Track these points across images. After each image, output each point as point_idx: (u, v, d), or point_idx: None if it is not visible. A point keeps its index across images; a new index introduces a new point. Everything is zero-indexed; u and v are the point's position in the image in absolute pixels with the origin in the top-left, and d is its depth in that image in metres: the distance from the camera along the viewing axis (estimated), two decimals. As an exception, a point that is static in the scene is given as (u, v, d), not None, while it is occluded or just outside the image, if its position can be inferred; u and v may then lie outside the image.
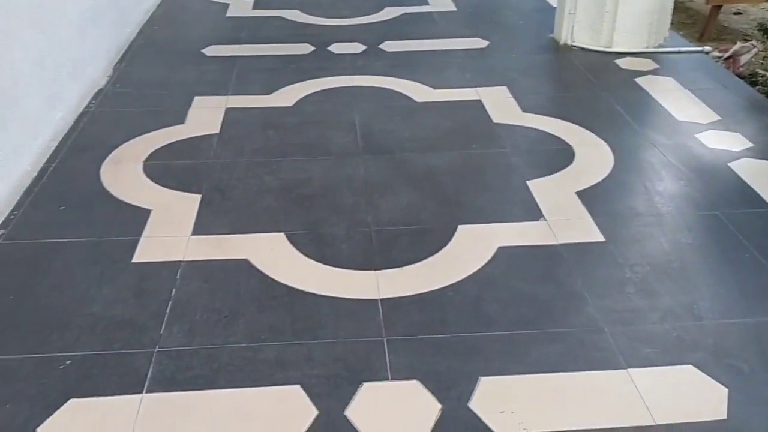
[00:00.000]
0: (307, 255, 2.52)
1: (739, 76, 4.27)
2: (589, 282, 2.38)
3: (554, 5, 4.75)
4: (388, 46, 4.51)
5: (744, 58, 4.49)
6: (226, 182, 2.97)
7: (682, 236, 2.62)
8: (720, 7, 5.44)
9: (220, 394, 1.94)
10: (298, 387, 1.96)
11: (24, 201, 2.82)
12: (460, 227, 2.66)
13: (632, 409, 1.90)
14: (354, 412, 1.89)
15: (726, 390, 1.96)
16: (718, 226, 2.68)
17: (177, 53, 4.42)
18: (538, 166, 3.10)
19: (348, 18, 5.04)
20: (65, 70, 3.45)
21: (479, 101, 3.72)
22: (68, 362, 2.05)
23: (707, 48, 4.51)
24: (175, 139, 3.32)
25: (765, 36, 4.64)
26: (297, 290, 2.34)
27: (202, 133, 3.38)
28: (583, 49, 4.44)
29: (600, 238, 2.61)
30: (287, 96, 3.79)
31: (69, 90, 3.49)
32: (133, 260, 2.49)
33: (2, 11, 2.82)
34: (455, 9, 5.27)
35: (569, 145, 3.26)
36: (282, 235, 2.63)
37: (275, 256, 2.52)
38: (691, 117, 3.54)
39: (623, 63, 4.23)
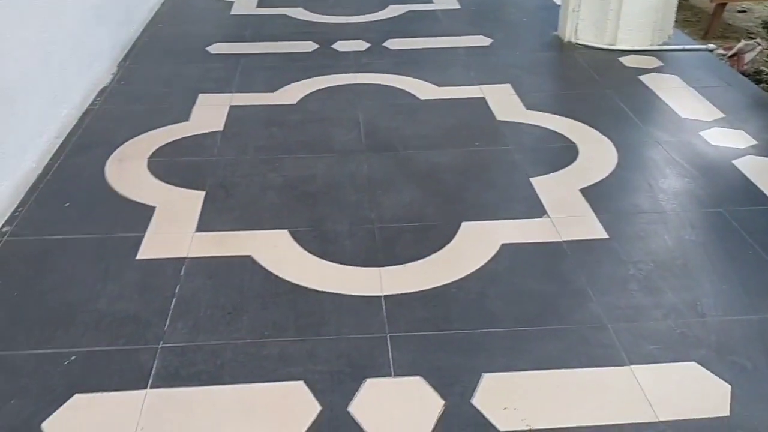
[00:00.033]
0: (310, 252, 2.53)
1: (743, 73, 4.26)
2: (593, 279, 2.38)
3: (558, 3, 4.74)
4: (392, 43, 4.51)
5: (748, 56, 4.49)
6: (229, 179, 2.98)
7: (686, 233, 2.62)
8: (724, 4, 5.43)
9: (223, 390, 1.95)
10: (301, 383, 1.97)
11: (29, 198, 2.84)
12: (464, 224, 2.67)
13: (635, 406, 1.90)
14: (357, 408, 1.89)
15: (729, 387, 1.96)
16: (721, 223, 2.68)
17: (181, 51, 4.43)
18: (542, 163, 3.10)
19: (352, 16, 5.04)
20: (70, 68, 3.46)
21: (483, 99, 3.72)
22: (73, 358, 2.06)
23: (712, 46, 4.50)
24: (180, 137, 3.33)
25: (770, 33, 4.64)
26: (300, 287, 2.35)
27: (206, 131, 3.39)
28: (587, 46, 4.44)
29: (603, 235, 2.61)
30: (291, 93, 3.79)
31: (74, 87, 3.50)
32: (138, 257, 2.50)
33: (7, 9, 2.83)
34: (459, 7, 5.27)
35: (573, 142, 3.26)
36: (285, 232, 2.63)
37: (279, 252, 2.52)
38: (695, 114, 3.53)
39: (627, 61, 4.23)
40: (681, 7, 4.82)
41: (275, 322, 2.20)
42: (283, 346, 2.10)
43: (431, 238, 2.59)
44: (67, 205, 2.80)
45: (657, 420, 1.86)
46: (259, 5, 5.34)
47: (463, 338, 2.13)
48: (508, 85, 3.87)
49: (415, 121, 3.49)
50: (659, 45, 4.40)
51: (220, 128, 3.42)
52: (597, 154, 3.16)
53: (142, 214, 2.73)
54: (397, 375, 2.00)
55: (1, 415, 1.87)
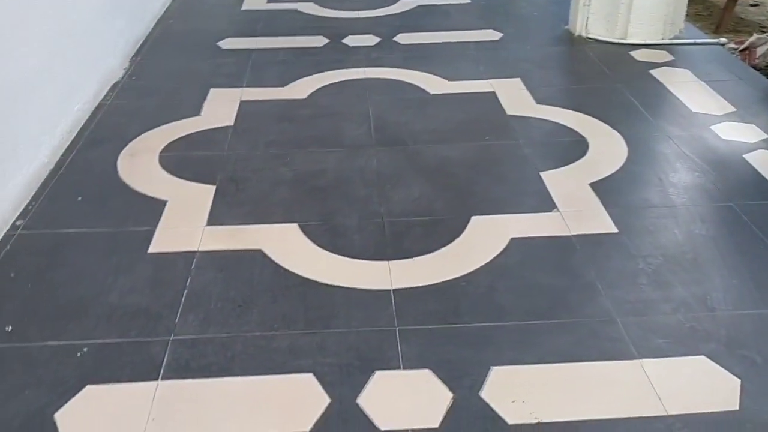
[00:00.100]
0: (320, 246, 2.54)
1: (755, 67, 4.23)
2: (602, 273, 2.38)
3: (569, -4, 4.73)
4: (403, 38, 4.51)
5: (760, 50, 4.45)
6: (240, 174, 2.99)
7: (696, 228, 2.61)
8: (737, -2, 5.39)
9: (233, 382, 1.97)
10: (310, 375, 1.98)
11: (42, 192, 2.86)
12: (473, 218, 2.67)
13: (644, 400, 1.90)
14: (366, 400, 1.90)
15: (738, 381, 1.95)
16: (732, 217, 2.67)
17: (193, 46, 4.45)
18: (552, 157, 3.09)
19: (362, 10, 5.04)
20: (82, 63, 3.48)
21: (493, 93, 3.71)
22: (85, 350, 2.08)
23: (723, 40, 4.47)
24: (191, 131, 3.35)
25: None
26: (310, 280, 2.36)
27: (217, 125, 3.41)
28: (597, 40, 4.42)
29: (613, 229, 2.61)
30: (301, 88, 3.80)
31: (86, 83, 3.53)
32: (149, 250, 2.52)
33: (20, 4, 2.86)
34: (469, 1, 5.25)
35: (583, 136, 3.26)
36: (295, 225, 2.64)
37: (289, 246, 2.54)
38: (706, 108, 3.52)
39: (638, 54, 4.21)
40: (692, 1, 4.80)
41: (285, 315, 2.21)
42: (293, 339, 2.12)
43: (440, 232, 2.59)
44: (79, 199, 2.83)
45: (666, 414, 1.86)
46: (269, 0, 5.35)
47: (472, 332, 2.14)
48: (518, 80, 3.86)
49: (424, 115, 3.50)
50: (670, 39, 4.37)
51: (231, 123, 3.43)
52: (607, 149, 3.15)
53: (154, 208, 2.75)
54: (405, 368, 2.01)
55: (15, 406, 1.89)
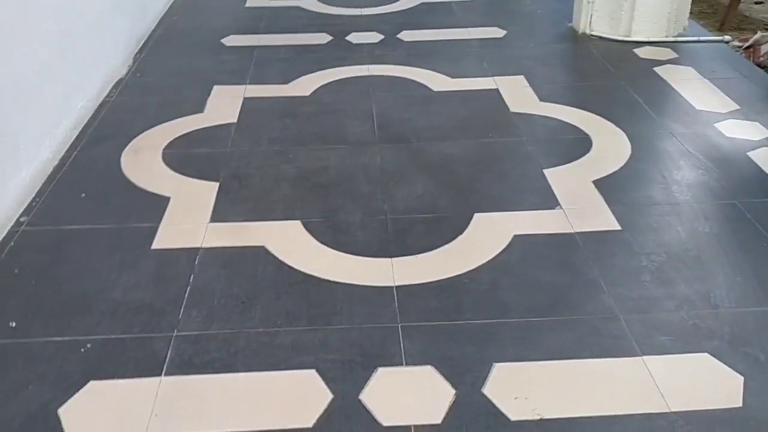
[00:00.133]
0: (323, 242, 2.54)
1: (759, 65, 4.22)
2: (605, 270, 2.38)
3: (573, -6, 4.72)
4: (406, 35, 4.51)
5: (764, 48, 4.44)
6: (243, 170, 3.00)
7: (700, 225, 2.61)
8: (741, -4, 5.37)
9: (236, 378, 1.97)
10: (313, 371, 1.98)
11: (46, 188, 2.87)
12: (476, 215, 2.67)
13: (646, 397, 1.90)
14: (368, 396, 1.91)
15: (742, 378, 1.95)
16: (736, 215, 2.66)
17: (196, 43, 4.45)
18: (555, 154, 3.09)
19: (366, 8, 5.04)
20: (86, 60, 3.49)
21: (496, 90, 3.71)
22: (89, 345, 2.08)
23: (727, 37, 4.46)
24: (194, 128, 3.35)
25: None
26: (313, 277, 2.37)
27: (221, 122, 3.41)
28: (601, 38, 4.42)
29: (616, 226, 2.60)
30: (305, 85, 3.81)
31: (90, 80, 3.53)
32: (153, 247, 2.52)
33: (23, 1, 2.86)
34: (473, -2, 5.26)
35: (586, 134, 3.25)
36: (298, 222, 2.65)
37: (292, 243, 2.54)
38: (710, 106, 3.51)
39: (642, 52, 4.20)
40: (697, -2, 4.78)
41: (288, 312, 2.21)
42: (296, 335, 2.12)
43: (443, 229, 2.60)
44: (83, 195, 2.83)
45: (668, 411, 1.86)
46: (273, -3, 5.35)
47: (475, 328, 2.14)
48: (522, 77, 3.86)
49: (428, 112, 3.49)
50: (674, 36, 4.37)
51: (234, 120, 3.44)
52: (610, 146, 3.15)
53: (157, 204, 2.76)
54: (408, 364, 2.01)
55: (19, 401, 1.90)
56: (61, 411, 1.87)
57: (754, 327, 2.13)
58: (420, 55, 4.19)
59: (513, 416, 1.85)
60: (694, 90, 3.69)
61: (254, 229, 2.61)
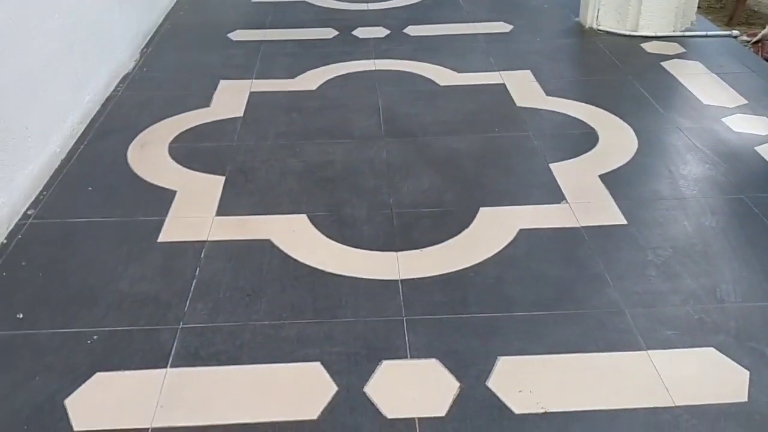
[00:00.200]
0: (328, 236, 2.54)
1: (767, 60, 4.20)
2: (611, 264, 2.38)
3: (580, -11, 4.70)
4: (412, 30, 4.50)
5: (774, 42, 4.42)
6: (249, 164, 3.00)
7: (706, 220, 2.60)
8: (750, -10, 5.35)
9: (242, 370, 1.98)
10: (318, 364, 1.99)
11: (53, 182, 2.88)
12: (482, 209, 2.67)
13: (651, 391, 1.90)
14: (373, 388, 1.91)
15: (747, 373, 1.95)
16: (742, 209, 2.65)
17: (203, 38, 4.46)
18: (562, 149, 3.08)
19: (372, 2, 5.04)
20: (93, 55, 3.50)
21: (503, 85, 3.70)
22: (95, 337, 2.10)
23: (735, 32, 4.44)
24: (200, 122, 3.36)
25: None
26: (318, 270, 2.37)
27: (227, 117, 3.42)
28: (608, 32, 4.40)
29: (622, 221, 2.60)
30: (311, 80, 3.81)
31: (97, 74, 3.54)
32: (159, 240, 2.53)
33: (31, -5, 2.87)
34: (480, -7, 5.24)
35: (593, 128, 3.25)
36: (304, 216, 2.65)
37: (297, 236, 2.55)
38: (718, 101, 3.49)
39: (649, 47, 4.19)
40: (705, -7, 4.76)
41: (293, 305, 2.22)
42: (301, 328, 2.12)
43: (449, 224, 2.60)
44: (90, 189, 2.85)
45: (673, 405, 1.86)
46: (279, -8, 5.35)
47: (480, 322, 2.14)
48: (528, 72, 3.86)
49: (434, 107, 3.49)
50: (682, 31, 4.35)
51: (241, 114, 3.44)
52: (617, 141, 3.14)
53: (164, 198, 2.76)
54: (413, 357, 2.01)
55: (26, 392, 1.91)
56: (67, 402, 1.88)
57: (761, 322, 2.13)
58: (426, 49, 4.18)
59: (517, 409, 1.85)
60: (702, 85, 3.67)
61: (260, 223, 2.62)
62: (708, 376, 1.95)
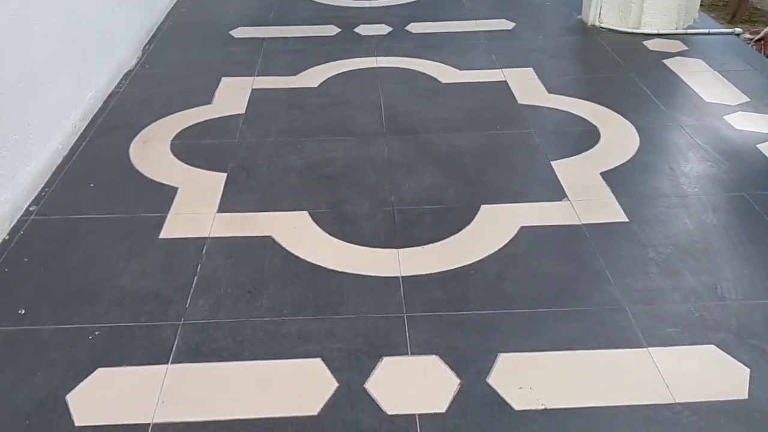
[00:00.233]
0: (330, 233, 2.55)
1: (770, 57, 4.19)
2: (612, 262, 2.38)
3: (582, -14, 4.70)
4: (414, 27, 4.50)
5: (776, 40, 4.41)
6: (251, 161, 3.01)
7: (707, 217, 2.60)
8: (753, -12, 5.34)
9: (243, 366, 1.98)
10: (319, 360, 1.99)
11: (55, 178, 2.89)
12: (483, 207, 2.67)
13: (652, 388, 1.90)
14: (373, 385, 1.92)
15: (748, 370, 1.95)
16: (744, 207, 2.65)
17: (205, 35, 4.46)
18: (563, 146, 3.08)
19: (374, 0, 5.04)
20: (95, 52, 3.50)
21: (505, 82, 3.70)
22: (97, 333, 2.10)
23: (738, 30, 4.43)
24: (202, 119, 3.37)
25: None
26: (320, 267, 2.37)
27: (229, 113, 3.42)
28: (611, 30, 4.40)
29: (624, 218, 2.60)
30: (313, 77, 3.81)
31: (99, 71, 3.55)
32: (161, 236, 2.54)
33: (34, -8, 2.88)
34: (482, -10, 5.24)
35: (595, 126, 3.24)
36: (305, 213, 2.66)
37: (299, 233, 2.55)
38: (720, 98, 3.49)
39: (652, 44, 4.18)
40: (708, -10, 4.75)
41: (294, 301, 2.22)
42: (302, 325, 2.13)
43: (450, 221, 2.60)
44: (92, 185, 2.85)
45: (674, 402, 1.86)
46: (282, -11, 5.35)
47: (480, 319, 2.14)
48: (530, 69, 3.85)
49: (436, 104, 3.49)
50: (684, 29, 4.34)
51: (242, 111, 3.44)
52: (619, 138, 3.14)
53: (165, 194, 2.77)
54: (414, 354, 2.02)
55: (28, 387, 1.92)
56: (69, 397, 1.89)
57: (761, 319, 2.13)
58: (428, 47, 4.18)
59: (517, 406, 1.85)
60: (704, 82, 3.67)
61: (262, 220, 2.62)
62: (708, 373, 1.95)
